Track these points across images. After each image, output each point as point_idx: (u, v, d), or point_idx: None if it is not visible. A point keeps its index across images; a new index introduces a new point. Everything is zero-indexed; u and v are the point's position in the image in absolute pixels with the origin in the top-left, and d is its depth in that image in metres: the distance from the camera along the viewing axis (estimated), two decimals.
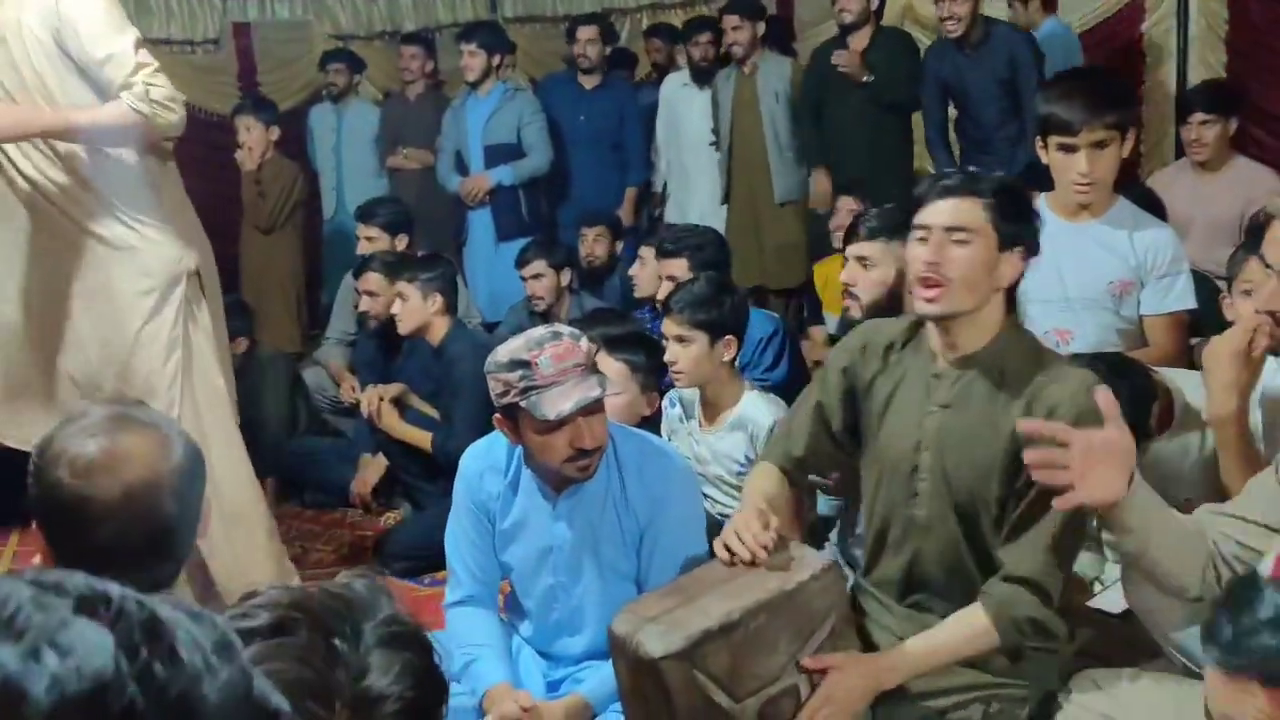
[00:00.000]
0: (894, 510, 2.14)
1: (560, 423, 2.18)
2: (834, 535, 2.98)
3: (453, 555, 2.47)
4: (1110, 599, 2.27)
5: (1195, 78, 5.03)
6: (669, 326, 3.06)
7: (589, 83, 5.59)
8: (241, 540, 2.95)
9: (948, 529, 2.07)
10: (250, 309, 4.74)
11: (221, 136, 5.77)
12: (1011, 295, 2.08)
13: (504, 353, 2.24)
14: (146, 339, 2.90)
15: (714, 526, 2.43)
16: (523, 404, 2.19)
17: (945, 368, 2.09)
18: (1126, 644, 2.14)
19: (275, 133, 5.55)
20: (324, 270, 5.88)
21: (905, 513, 2.12)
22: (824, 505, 3.08)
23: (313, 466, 4.48)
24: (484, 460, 2.43)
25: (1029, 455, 1.80)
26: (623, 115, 5.58)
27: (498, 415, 2.29)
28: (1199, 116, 4.19)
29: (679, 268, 3.69)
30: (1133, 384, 2.25)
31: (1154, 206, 3.73)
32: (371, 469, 4.27)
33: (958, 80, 4.75)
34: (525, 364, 2.19)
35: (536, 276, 4.62)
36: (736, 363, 3.16)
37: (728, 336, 3.05)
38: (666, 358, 3.06)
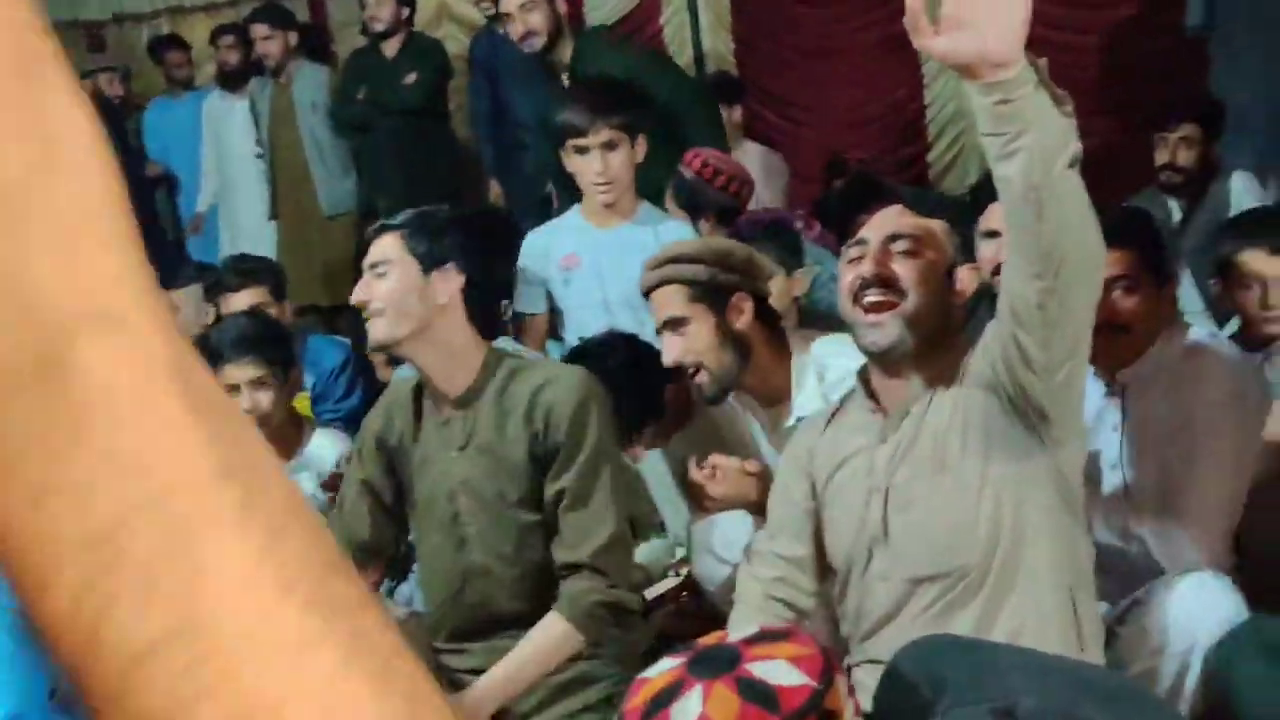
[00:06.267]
0: (449, 563, 2.12)
1: None
2: (416, 567, 2.93)
3: None
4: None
5: (713, 65, 5.42)
6: (245, 371, 2.83)
7: None
8: None
9: (502, 564, 2.08)
10: None
11: None
12: (479, 319, 2.11)
13: None
14: None
15: None
16: None
17: (450, 412, 2.09)
18: (708, 618, 2.25)
19: None
20: None
21: (460, 563, 2.11)
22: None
23: None
24: None
25: None
26: None
27: None
28: None
29: (260, 296, 3.44)
30: (641, 364, 2.39)
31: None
32: None
33: (493, 64, 4.82)
34: None
35: None
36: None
37: (294, 370, 2.91)
38: (245, 407, 2.84)
